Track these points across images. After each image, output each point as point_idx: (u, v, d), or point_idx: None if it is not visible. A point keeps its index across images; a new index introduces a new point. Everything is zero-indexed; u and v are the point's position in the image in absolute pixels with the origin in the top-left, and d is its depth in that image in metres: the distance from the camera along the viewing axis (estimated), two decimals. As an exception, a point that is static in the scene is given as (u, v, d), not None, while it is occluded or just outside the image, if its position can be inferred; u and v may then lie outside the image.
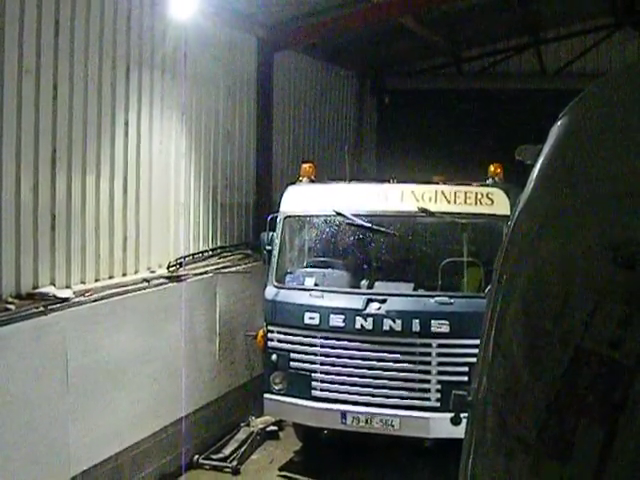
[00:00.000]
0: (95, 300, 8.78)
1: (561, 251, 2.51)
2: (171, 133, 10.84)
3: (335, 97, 17.64)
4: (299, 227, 11.17)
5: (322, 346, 10.09)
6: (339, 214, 10.51)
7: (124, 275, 9.75)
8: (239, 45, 12.74)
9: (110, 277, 9.46)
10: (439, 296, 9.84)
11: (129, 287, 9.51)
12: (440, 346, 9.70)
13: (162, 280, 10.26)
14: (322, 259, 10.94)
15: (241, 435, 11.59)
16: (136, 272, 10.01)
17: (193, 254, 11.36)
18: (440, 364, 9.71)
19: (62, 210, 8.55)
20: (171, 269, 10.59)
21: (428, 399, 9.72)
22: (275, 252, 10.77)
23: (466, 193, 10.27)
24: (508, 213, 9.29)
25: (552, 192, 2.66)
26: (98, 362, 8.82)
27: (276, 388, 10.35)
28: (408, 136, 18.63)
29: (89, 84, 8.93)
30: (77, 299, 8.49)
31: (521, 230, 2.78)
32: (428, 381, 9.74)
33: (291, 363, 10.26)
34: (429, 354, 9.74)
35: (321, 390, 10.07)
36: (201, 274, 11.10)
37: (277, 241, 10.79)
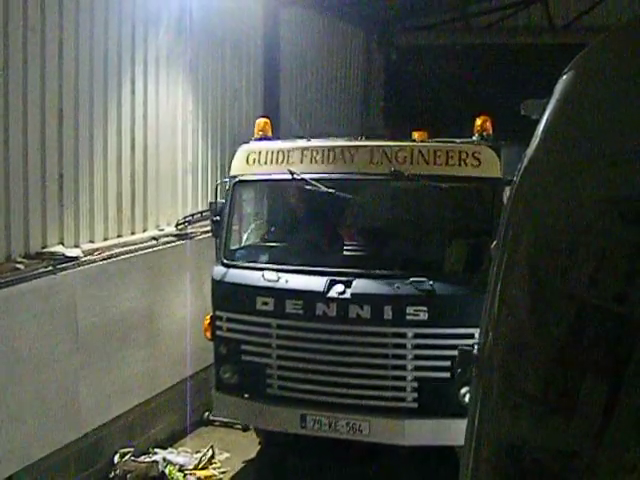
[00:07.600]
0: (104, 259, 8.82)
1: (566, 206, 2.52)
2: (178, 91, 10.78)
3: (342, 53, 17.50)
4: (252, 194, 9.91)
5: (277, 337, 8.54)
6: (293, 174, 8.79)
7: (133, 234, 9.75)
8: (245, 0, 12.62)
9: (119, 236, 9.47)
10: (416, 276, 8.17)
11: (138, 245, 9.56)
12: (417, 336, 8.14)
13: (171, 238, 10.28)
14: (278, 232, 9.72)
15: (251, 392, 11.66)
16: (145, 231, 10.02)
17: (201, 212, 11.35)
18: (417, 358, 8.18)
19: (70, 169, 8.53)
20: (180, 227, 10.60)
21: (403, 399, 8.26)
22: (224, 224, 9.18)
23: (448, 152, 8.50)
24: (498, 175, 8.26)
25: (557, 147, 2.66)
26: (107, 320, 8.89)
27: (225, 385, 8.87)
28: (416, 92, 18.50)
29: (95, 42, 8.88)
30: (86, 258, 8.53)
31: (526, 185, 2.78)
32: (403, 378, 8.23)
33: (242, 356, 8.71)
34: (404, 346, 8.18)
35: (278, 388, 8.59)
36: (209, 232, 11.10)
37: (227, 210, 9.21)
